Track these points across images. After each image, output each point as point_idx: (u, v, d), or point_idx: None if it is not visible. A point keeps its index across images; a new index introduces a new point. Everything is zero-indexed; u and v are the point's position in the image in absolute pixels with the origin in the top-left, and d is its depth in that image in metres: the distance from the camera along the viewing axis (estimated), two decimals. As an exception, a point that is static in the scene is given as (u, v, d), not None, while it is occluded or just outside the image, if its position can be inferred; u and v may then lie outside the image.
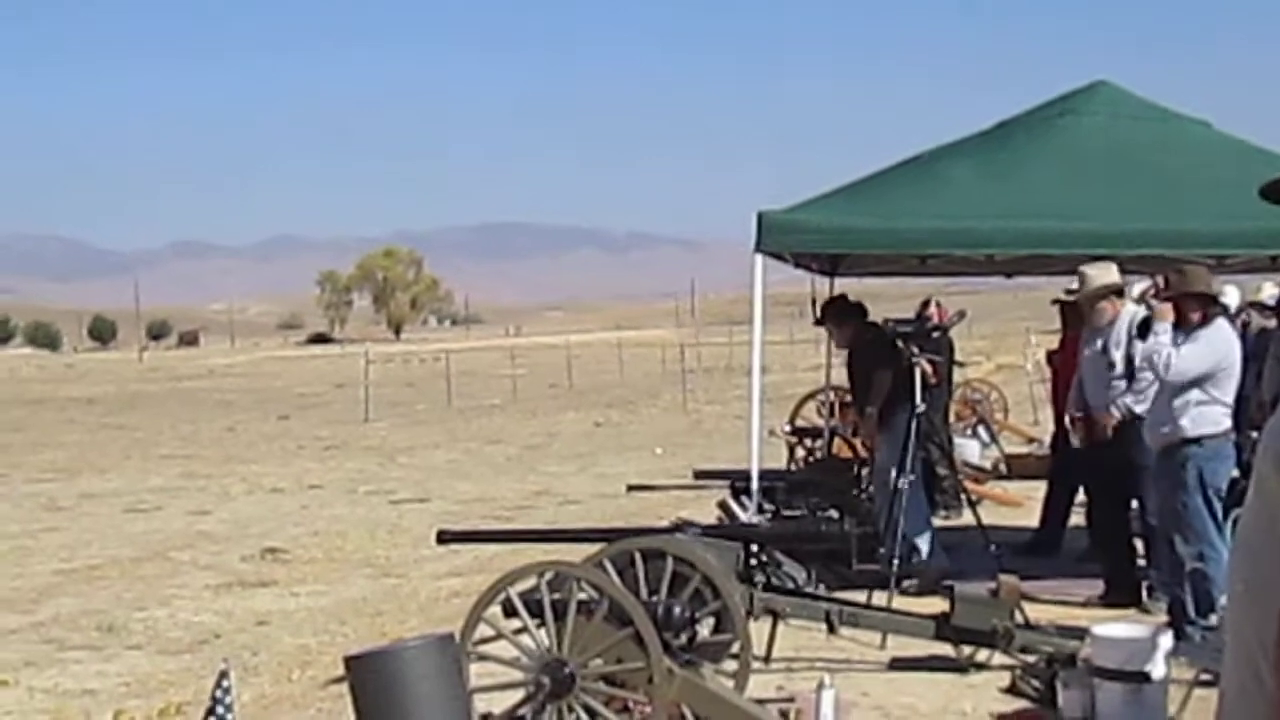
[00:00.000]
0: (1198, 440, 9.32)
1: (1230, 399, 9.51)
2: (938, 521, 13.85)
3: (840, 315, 12.80)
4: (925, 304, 15.81)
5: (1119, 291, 10.84)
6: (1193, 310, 9.34)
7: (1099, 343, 10.91)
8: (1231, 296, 15.02)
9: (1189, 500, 9.29)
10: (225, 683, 6.85)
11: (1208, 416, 9.32)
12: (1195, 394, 9.27)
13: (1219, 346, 9.40)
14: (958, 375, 17.97)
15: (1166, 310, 9.36)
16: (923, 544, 11.77)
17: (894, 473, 11.33)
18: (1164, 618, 9.47)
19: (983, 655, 8.67)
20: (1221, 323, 9.72)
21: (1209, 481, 9.33)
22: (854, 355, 12.78)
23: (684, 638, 7.33)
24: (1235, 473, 11.03)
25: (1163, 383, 9.42)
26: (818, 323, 13.22)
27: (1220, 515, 9.33)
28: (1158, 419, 9.53)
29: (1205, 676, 8.06)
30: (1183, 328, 9.29)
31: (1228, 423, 9.48)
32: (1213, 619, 8.80)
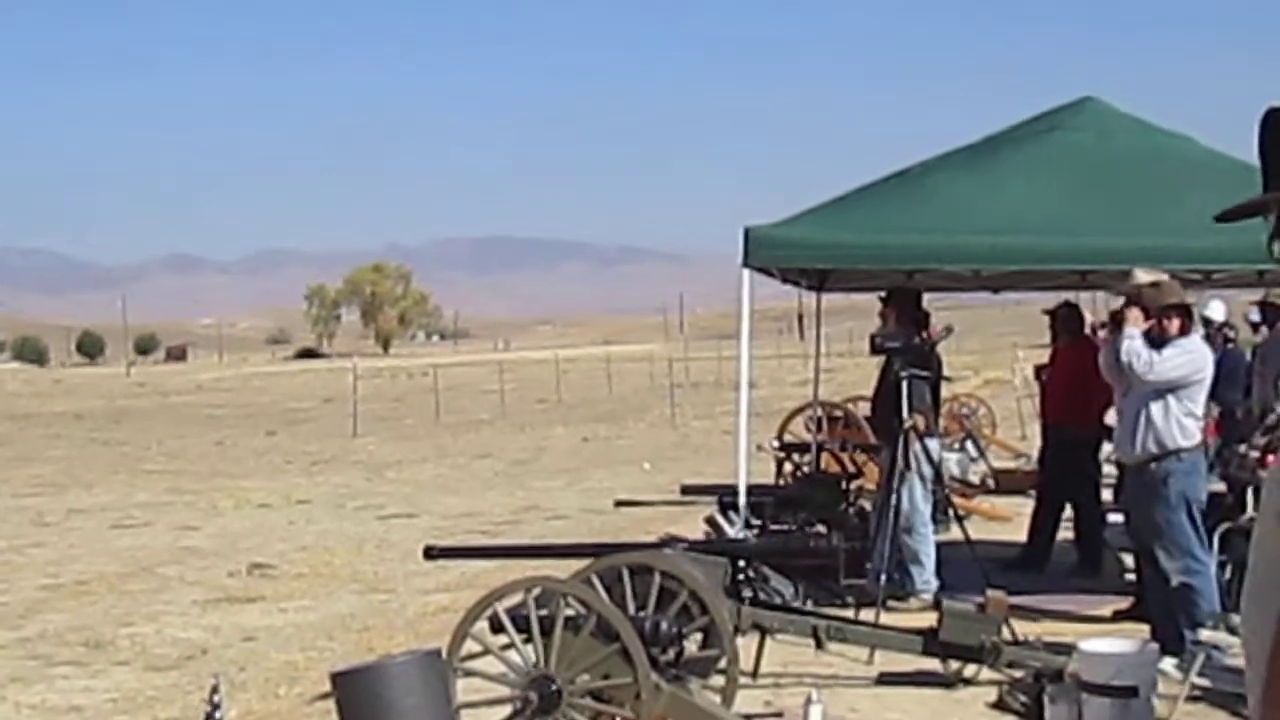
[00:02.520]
0: (1176, 454, 9.26)
1: (1201, 411, 9.50)
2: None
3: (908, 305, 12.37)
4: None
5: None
6: (1172, 322, 9.32)
7: None
8: (1217, 310, 15.07)
9: (1171, 516, 9.24)
10: (216, 697, 6.85)
11: (1185, 429, 9.28)
12: (1172, 404, 9.22)
13: (1197, 356, 9.40)
14: (945, 390, 17.99)
15: (1137, 315, 9.31)
16: (921, 568, 11.63)
17: (893, 488, 11.28)
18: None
19: (970, 670, 8.67)
20: (1196, 335, 9.72)
21: (1190, 496, 9.30)
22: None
23: (671, 653, 7.33)
24: (1222, 487, 11.04)
25: (1135, 392, 9.35)
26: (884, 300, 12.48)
27: (1201, 529, 9.32)
28: (1132, 432, 9.42)
29: (1193, 691, 8.09)
30: (1161, 339, 9.27)
31: (1200, 435, 9.47)
32: (1201, 633, 8.80)
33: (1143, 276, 9.47)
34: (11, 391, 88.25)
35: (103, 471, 30.50)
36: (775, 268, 12.27)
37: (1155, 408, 9.24)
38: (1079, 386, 12.71)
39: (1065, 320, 13.54)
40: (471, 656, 7.35)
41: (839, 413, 16.98)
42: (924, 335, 12.19)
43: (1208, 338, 11.76)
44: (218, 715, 6.94)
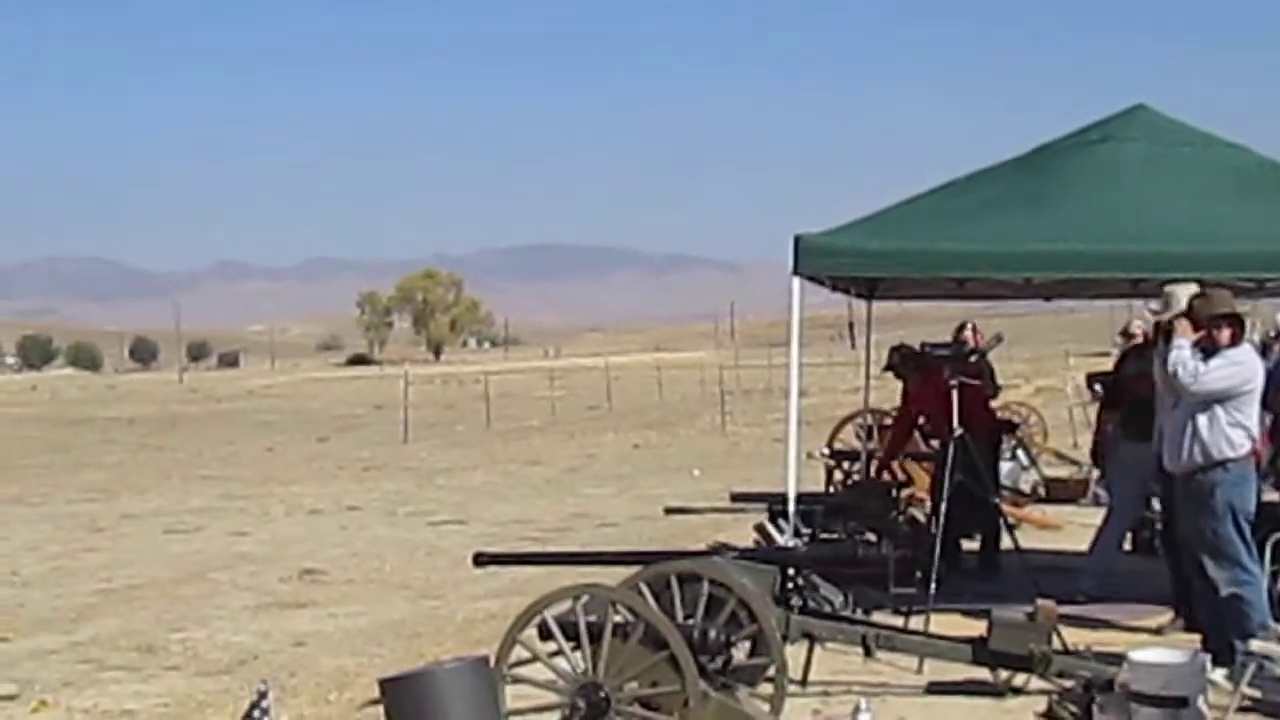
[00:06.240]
0: (1224, 464, 9.16)
1: (1253, 422, 9.37)
2: (975, 545, 13.79)
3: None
4: (961, 328, 15.75)
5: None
6: (1222, 332, 9.22)
7: None
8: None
9: (1219, 527, 9.15)
10: (264, 703, 6.88)
11: (1234, 439, 9.16)
12: (1221, 414, 9.11)
13: (1247, 365, 9.28)
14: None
15: (1187, 326, 9.21)
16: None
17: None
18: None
19: (1020, 680, 8.64)
20: (1247, 345, 9.60)
21: (1238, 507, 9.19)
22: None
23: (719, 661, 7.33)
24: (1275, 496, 10.94)
25: (1183, 401, 9.25)
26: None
27: (1250, 539, 9.23)
28: (1179, 441, 9.31)
29: (1243, 702, 8.04)
30: (1211, 348, 9.16)
31: (1249, 445, 9.33)
32: (1251, 644, 8.72)
33: (1182, 296, 9.41)
34: (66, 397, 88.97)
35: (155, 477, 30.71)
36: (826, 276, 12.27)
37: (1202, 419, 9.15)
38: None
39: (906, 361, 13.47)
40: (520, 663, 7.37)
41: (889, 421, 16.94)
42: (975, 343, 12.19)
43: (1262, 346, 11.66)
44: (266, 720, 6.97)
